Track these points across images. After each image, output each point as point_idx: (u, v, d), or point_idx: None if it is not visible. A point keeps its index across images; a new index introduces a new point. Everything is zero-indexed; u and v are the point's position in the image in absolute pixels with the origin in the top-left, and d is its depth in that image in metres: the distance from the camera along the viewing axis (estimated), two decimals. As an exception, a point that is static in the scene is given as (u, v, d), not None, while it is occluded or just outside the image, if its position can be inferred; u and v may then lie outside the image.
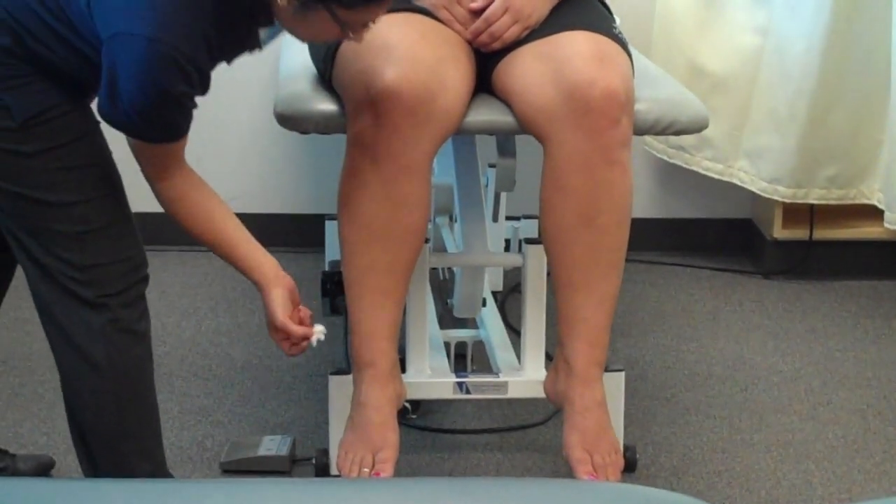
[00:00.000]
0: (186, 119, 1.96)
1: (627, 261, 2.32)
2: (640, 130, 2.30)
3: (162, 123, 1.95)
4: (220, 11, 1.89)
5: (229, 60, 2.00)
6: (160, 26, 1.84)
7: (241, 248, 2.09)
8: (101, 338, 2.05)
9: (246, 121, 3.57)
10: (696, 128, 2.37)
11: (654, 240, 3.64)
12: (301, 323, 2.09)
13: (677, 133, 2.37)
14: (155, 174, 2.01)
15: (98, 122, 2.01)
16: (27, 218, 2.01)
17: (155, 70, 1.86)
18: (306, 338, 2.10)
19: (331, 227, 3.11)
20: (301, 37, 2.01)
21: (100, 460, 2.14)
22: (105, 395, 2.10)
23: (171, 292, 3.33)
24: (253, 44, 2.00)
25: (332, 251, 3.07)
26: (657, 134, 2.38)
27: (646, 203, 3.67)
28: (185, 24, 1.86)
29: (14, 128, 1.95)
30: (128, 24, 1.86)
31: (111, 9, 1.87)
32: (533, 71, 2.26)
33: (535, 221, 3.01)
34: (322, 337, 2.13)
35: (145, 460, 2.16)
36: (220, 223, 2.07)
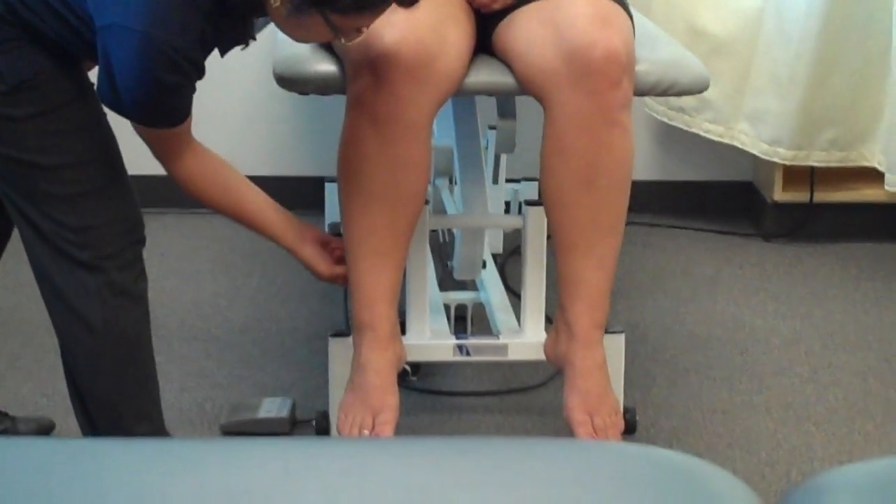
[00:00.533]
0: (186, 104, 1.98)
1: (627, 223, 2.31)
2: (640, 91, 2.29)
3: (161, 111, 1.96)
4: (216, 9, 1.89)
5: (223, 53, 2.01)
6: (154, 21, 1.85)
7: (262, 216, 2.17)
8: (97, 300, 2.06)
9: (244, 82, 3.55)
10: (697, 89, 2.36)
11: (654, 202, 3.63)
12: (339, 258, 2.25)
13: (678, 94, 2.36)
14: (164, 156, 2.04)
15: (91, 85, 2.01)
16: (21, 181, 2.01)
17: (148, 63, 1.87)
18: None
19: (330, 190, 3.10)
20: (294, 37, 2.01)
21: (98, 422, 2.14)
22: (101, 357, 2.10)
23: (170, 255, 3.33)
24: (247, 37, 2.00)
25: (331, 213, 3.07)
26: (658, 95, 2.37)
27: (646, 165, 3.67)
28: (178, 19, 1.87)
29: (5, 91, 1.95)
30: (121, 17, 1.86)
31: None
32: (534, 32, 2.25)
33: (536, 183, 3.02)
34: None
35: (143, 421, 2.17)
36: (236, 195, 2.14)
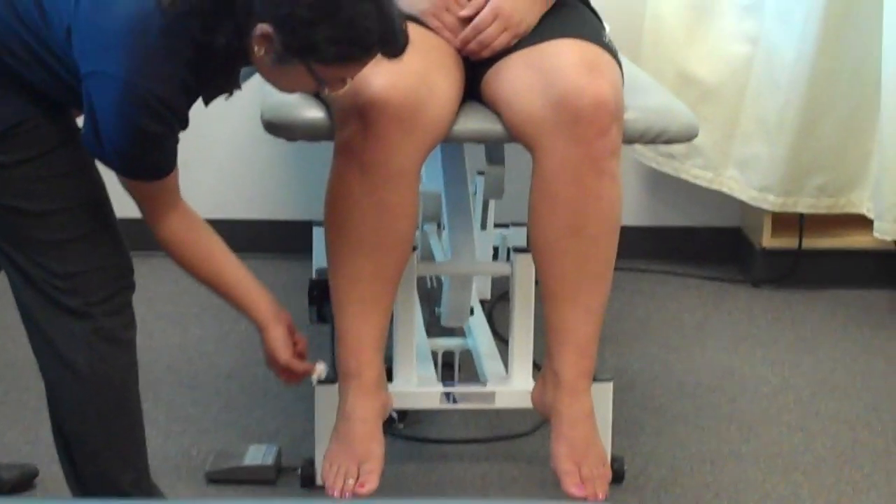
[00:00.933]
0: (169, 157, 1.96)
1: (616, 269, 2.30)
2: (629, 139, 2.29)
3: (143, 162, 1.95)
4: (199, 58, 1.88)
5: (207, 102, 2.00)
6: (136, 69, 1.84)
7: (240, 288, 2.12)
8: (84, 346, 2.04)
9: (233, 127, 3.55)
10: (686, 137, 2.36)
11: (642, 248, 3.63)
12: (299, 353, 2.15)
13: (667, 142, 2.36)
14: (151, 214, 2.02)
15: (79, 130, 2.00)
16: (8, 226, 2.00)
17: (129, 110, 1.86)
18: (307, 374, 2.17)
19: (318, 234, 3.09)
20: (278, 87, 2.00)
21: (82, 469, 2.12)
22: (88, 404, 2.09)
23: (158, 299, 3.31)
24: (231, 86, 1.99)
25: (319, 258, 3.06)
26: (647, 143, 2.37)
27: (635, 211, 3.66)
28: (161, 67, 1.86)
29: None
30: (104, 64, 1.86)
31: (89, 46, 1.87)
32: (522, 79, 2.25)
33: (524, 229, 3.01)
34: (323, 376, 2.21)
35: (128, 469, 2.15)
36: (218, 264, 2.10)
